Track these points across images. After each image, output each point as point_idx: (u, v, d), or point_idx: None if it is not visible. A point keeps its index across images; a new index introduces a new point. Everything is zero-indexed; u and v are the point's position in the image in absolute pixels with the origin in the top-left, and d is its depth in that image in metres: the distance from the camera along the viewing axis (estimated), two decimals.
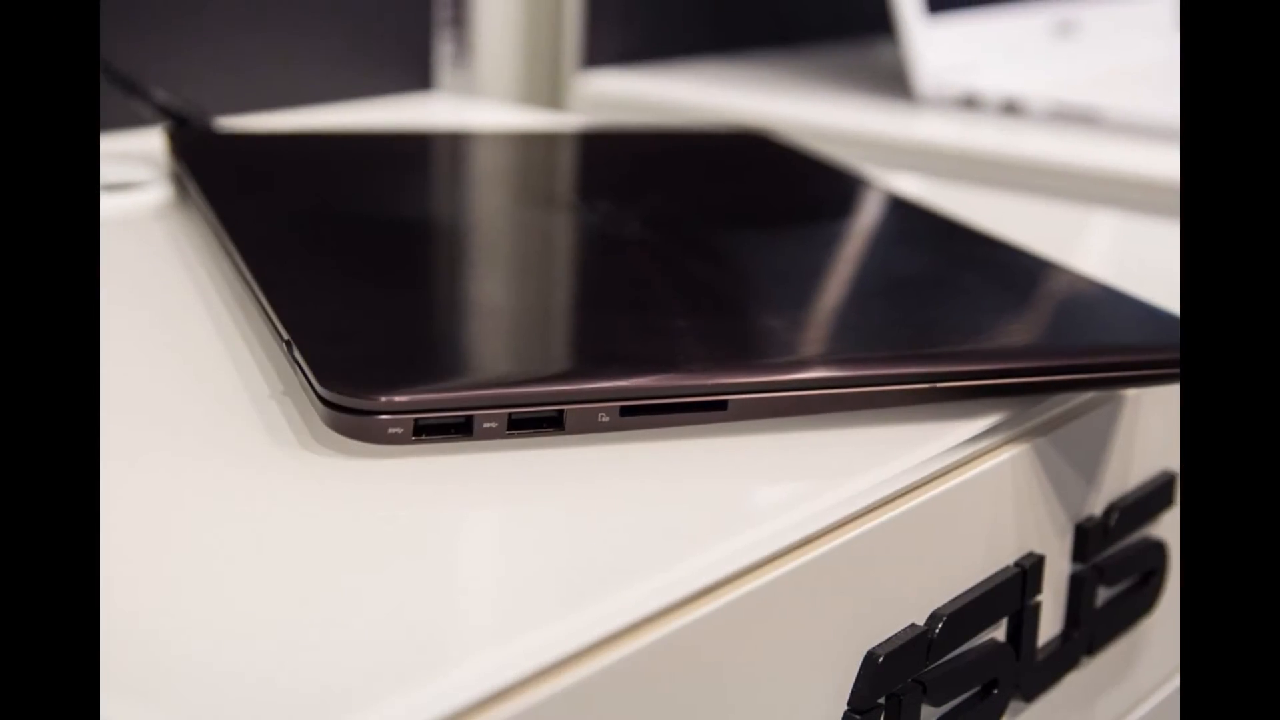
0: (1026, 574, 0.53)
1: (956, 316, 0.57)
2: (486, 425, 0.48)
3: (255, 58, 0.97)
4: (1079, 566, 0.57)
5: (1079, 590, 0.57)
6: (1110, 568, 0.58)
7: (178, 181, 0.75)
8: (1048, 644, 0.56)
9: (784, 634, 0.45)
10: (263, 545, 0.43)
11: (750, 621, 0.44)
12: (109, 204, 0.73)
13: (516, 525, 0.46)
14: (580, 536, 0.45)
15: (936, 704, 0.50)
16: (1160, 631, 0.63)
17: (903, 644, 0.48)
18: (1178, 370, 0.53)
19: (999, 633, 0.53)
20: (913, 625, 0.49)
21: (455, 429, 0.48)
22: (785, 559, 0.45)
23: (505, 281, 0.62)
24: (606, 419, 0.49)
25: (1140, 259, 0.78)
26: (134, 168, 0.79)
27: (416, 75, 1.07)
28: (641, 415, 0.49)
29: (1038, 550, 0.54)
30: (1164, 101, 1.07)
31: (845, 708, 0.47)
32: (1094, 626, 0.58)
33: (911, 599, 0.50)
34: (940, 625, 0.50)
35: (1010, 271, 0.62)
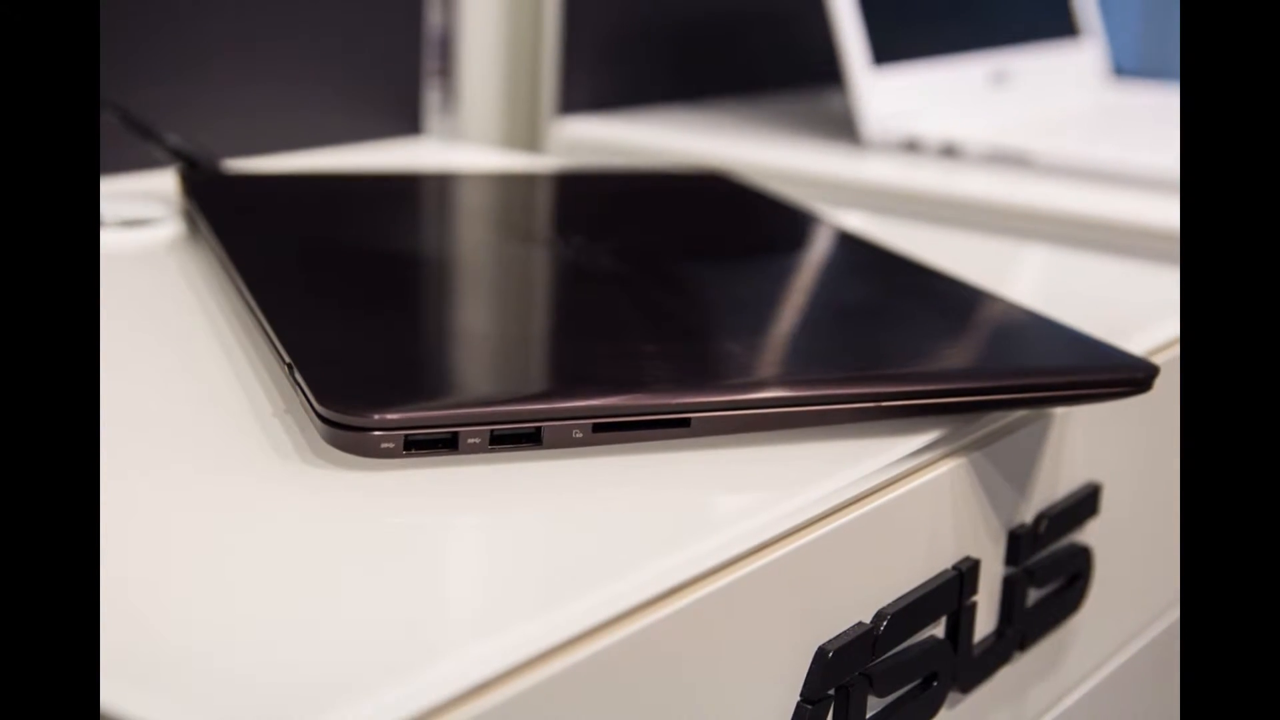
0: (964, 576, 0.54)
1: (900, 341, 0.58)
2: (470, 440, 0.48)
3: (260, 106, 0.97)
4: (1011, 569, 0.57)
5: (1011, 591, 0.57)
6: (1040, 571, 0.58)
7: (188, 218, 0.75)
8: (983, 640, 0.57)
9: (742, 631, 0.45)
10: (264, 548, 0.43)
11: (712, 620, 0.44)
12: (126, 238, 0.73)
13: (497, 531, 0.46)
14: (555, 542, 0.45)
15: (881, 695, 0.50)
16: (1086, 629, 0.64)
17: (851, 640, 0.49)
18: (1102, 390, 0.54)
19: (939, 630, 0.54)
20: (860, 623, 0.50)
21: (442, 444, 0.48)
22: (743, 563, 0.45)
23: (488, 309, 0.62)
24: (580, 435, 0.49)
25: (1068, 289, 0.78)
26: (149, 205, 0.79)
27: (406, 121, 1.07)
28: (612, 431, 0.50)
29: (974, 555, 0.55)
30: (1090, 145, 1.07)
31: (798, 698, 0.47)
32: (1025, 624, 0.58)
33: (859, 599, 0.50)
34: (885, 623, 0.50)
35: (949, 300, 0.63)
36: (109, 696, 0.36)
